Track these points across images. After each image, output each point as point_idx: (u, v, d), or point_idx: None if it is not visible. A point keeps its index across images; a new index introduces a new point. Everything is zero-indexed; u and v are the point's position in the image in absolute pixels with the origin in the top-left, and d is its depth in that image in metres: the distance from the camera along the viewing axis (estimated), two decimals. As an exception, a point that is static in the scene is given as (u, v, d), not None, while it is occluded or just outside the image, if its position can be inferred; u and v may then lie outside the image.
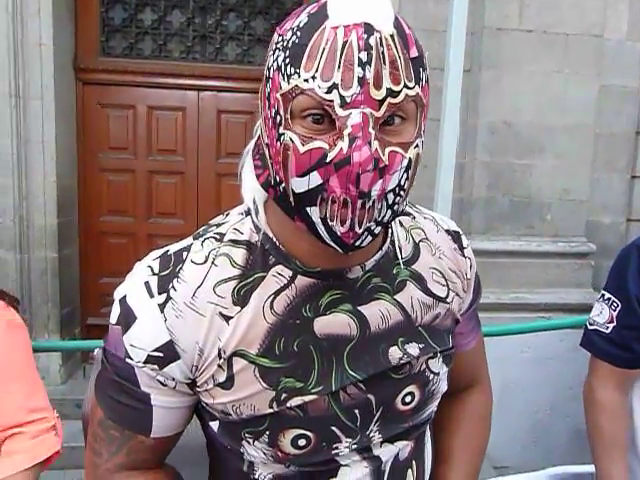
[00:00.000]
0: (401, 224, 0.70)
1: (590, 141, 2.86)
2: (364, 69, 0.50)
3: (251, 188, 0.63)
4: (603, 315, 1.08)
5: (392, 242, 0.67)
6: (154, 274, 0.61)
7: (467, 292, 0.74)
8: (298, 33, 0.52)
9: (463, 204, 2.86)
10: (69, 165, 3.15)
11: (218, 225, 0.65)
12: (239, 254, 0.62)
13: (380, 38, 0.51)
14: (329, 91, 0.50)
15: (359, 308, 0.63)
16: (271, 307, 0.61)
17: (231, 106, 3.33)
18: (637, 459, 1.09)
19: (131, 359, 0.60)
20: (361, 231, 0.54)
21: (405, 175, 0.54)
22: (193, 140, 3.34)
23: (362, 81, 0.50)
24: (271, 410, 0.61)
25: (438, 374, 0.68)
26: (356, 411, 0.63)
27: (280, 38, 0.55)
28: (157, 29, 3.24)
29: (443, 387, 0.70)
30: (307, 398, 0.61)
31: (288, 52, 0.53)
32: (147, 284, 0.61)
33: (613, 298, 1.07)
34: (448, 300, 0.70)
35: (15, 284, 2.86)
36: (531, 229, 2.86)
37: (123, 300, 0.62)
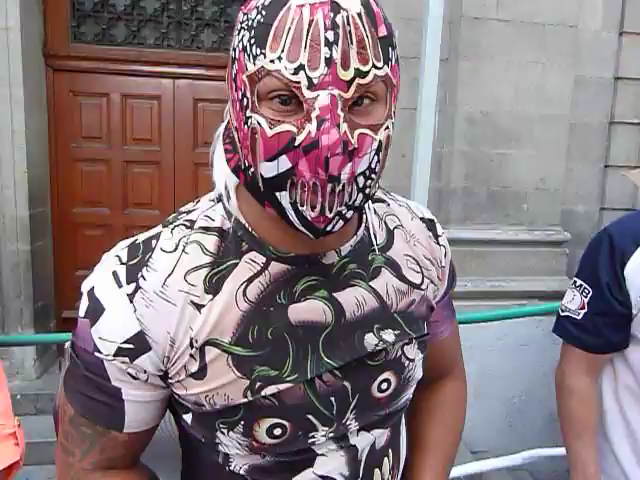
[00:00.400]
0: (375, 211, 0.69)
1: (566, 131, 2.91)
2: (331, 49, 0.48)
3: (222, 173, 0.62)
4: (575, 302, 1.10)
5: (367, 228, 0.67)
6: (122, 263, 0.59)
7: (442, 280, 0.74)
8: (263, 12, 0.51)
9: (441, 193, 2.88)
10: (40, 155, 3.06)
11: (188, 212, 0.64)
12: (211, 241, 0.60)
13: (347, 17, 0.49)
14: (296, 72, 0.49)
15: (334, 294, 0.62)
16: (244, 294, 0.59)
17: (208, 94, 3.27)
18: (605, 441, 1.12)
19: (100, 352, 0.59)
20: (332, 215, 0.53)
21: (376, 158, 0.53)
22: (169, 129, 3.27)
23: (329, 61, 0.49)
24: (245, 400, 0.59)
25: (413, 360, 0.68)
26: (332, 399, 0.62)
27: (245, 17, 0.53)
28: (130, 14, 3.16)
29: (418, 374, 0.70)
30: (282, 386, 0.60)
31: (253, 32, 0.51)
32: (115, 274, 0.59)
33: (585, 285, 1.09)
34: (423, 287, 0.70)
35: (-14, 278, 2.79)
36: (508, 218, 2.90)
37: (91, 292, 0.60)
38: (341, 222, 0.55)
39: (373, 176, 0.54)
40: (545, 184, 2.91)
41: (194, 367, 0.59)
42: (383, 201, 0.72)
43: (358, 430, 0.66)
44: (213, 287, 0.59)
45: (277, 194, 0.53)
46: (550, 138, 2.86)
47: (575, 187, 3.12)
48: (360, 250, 0.65)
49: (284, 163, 0.51)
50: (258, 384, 0.59)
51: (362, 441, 0.66)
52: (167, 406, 0.66)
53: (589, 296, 1.07)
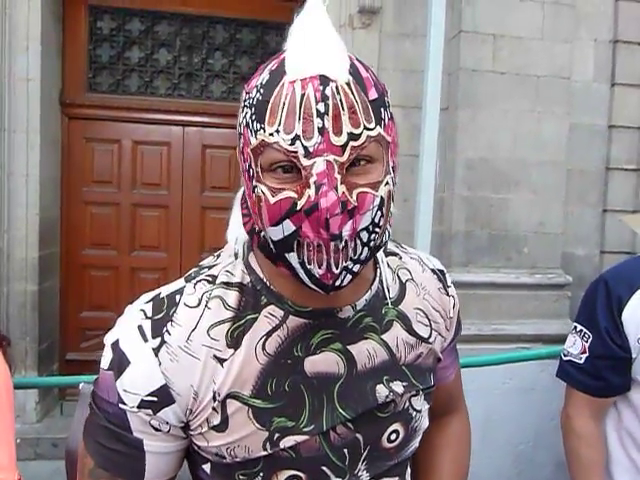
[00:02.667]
0: (388, 265, 0.72)
1: (563, 176, 2.98)
2: (323, 119, 0.53)
3: (237, 234, 0.66)
4: (576, 346, 1.13)
5: (380, 282, 0.69)
6: (147, 318, 0.61)
7: (449, 330, 0.77)
8: (262, 90, 0.56)
9: (443, 237, 2.92)
10: (52, 198, 3.15)
11: (210, 267, 0.66)
12: (232, 296, 0.63)
13: (336, 87, 0.54)
14: (292, 143, 0.53)
15: (348, 347, 0.64)
16: (263, 348, 0.62)
17: (215, 141, 3.39)
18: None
19: (124, 404, 0.60)
20: (338, 271, 0.56)
21: (379, 213, 0.57)
22: (178, 174, 3.37)
23: (322, 130, 0.53)
24: (265, 452, 0.61)
25: (420, 411, 0.70)
26: (345, 450, 0.64)
27: (247, 96, 0.58)
28: (144, 66, 3.32)
29: (425, 424, 0.72)
30: (299, 438, 0.62)
31: (254, 109, 0.56)
32: (140, 328, 0.61)
33: (585, 330, 1.12)
34: (430, 340, 0.72)
35: (-7, 318, 2.81)
36: (509, 261, 2.93)
37: (115, 344, 0.61)
38: (349, 276, 0.57)
39: (377, 230, 0.57)
40: (545, 228, 2.96)
41: (216, 420, 0.61)
42: (396, 254, 0.75)
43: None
44: (234, 341, 0.61)
45: (286, 255, 0.57)
46: (548, 183, 2.94)
47: (575, 230, 3.17)
48: (374, 304, 0.67)
49: (288, 226, 0.55)
50: (276, 435, 0.61)
51: None
52: (185, 457, 0.67)
53: (589, 341, 1.10)
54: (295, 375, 0.62)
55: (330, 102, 0.53)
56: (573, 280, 2.98)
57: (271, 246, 0.58)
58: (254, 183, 0.57)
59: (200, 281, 0.64)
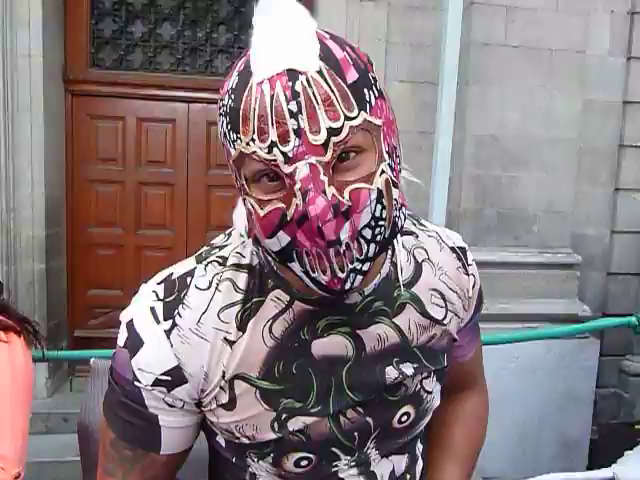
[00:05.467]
0: (403, 245, 0.69)
1: (574, 154, 2.92)
2: (297, 119, 0.48)
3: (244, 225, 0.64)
4: None
5: (393, 264, 0.67)
6: (159, 299, 0.62)
7: (468, 310, 0.74)
8: (232, 96, 0.52)
9: (451, 216, 2.89)
10: (57, 176, 3.14)
11: (220, 248, 0.65)
12: (242, 279, 0.62)
13: (307, 79, 0.49)
14: (270, 150, 0.49)
15: (357, 331, 0.63)
16: (270, 331, 0.62)
17: (221, 118, 3.34)
18: None
19: (139, 382, 0.61)
20: (345, 275, 0.53)
21: (379, 206, 0.53)
22: (182, 152, 3.34)
23: (298, 132, 0.49)
24: (274, 434, 0.62)
25: (432, 392, 0.69)
26: (355, 433, 0.65)
27: (221, 103, 0.54)
28: (147, 41, 3.25)
29: (436, 403, 0.72)
30: (307, 420, 0.62)
31: (228, 117, 0.52)
32: (153, 310, 0.61)
33: None
34: (445, 322, 0.70)
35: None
36: (518, 240, 2.90)
37: (130, 324, 0.62)
38: (359, 277, 0.54)
39: (382, 223, 0.54)
40: (555, 207, 2.91)
41: (224, 399, 0.62)
42: (411, 233, 0.71)
43: (379, 458, 0.68)
44: (243, 324, 0.62)
45: (289, 264, 0.55)
46: (559, 161, 2.88)
47: (585, 210, 3.12)
48: (385, 287, 0.65)
49: (283, 238, 0.52)
50: (284, 416, 0.62)
51: (382, 467, 0.69)
52: (201, 428, 0.69)
53: None
54: (302, 358, 0.62)
55: (302, 99, 0.49)
56: (583, 260, 2.95)
57: (273, 256, 0.57)
58: (243, 196, 0.56)
59: (211, 262, 0.64)
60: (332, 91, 0.50)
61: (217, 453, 0.71)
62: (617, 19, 3.03)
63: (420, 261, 0.69)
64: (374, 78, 0.54)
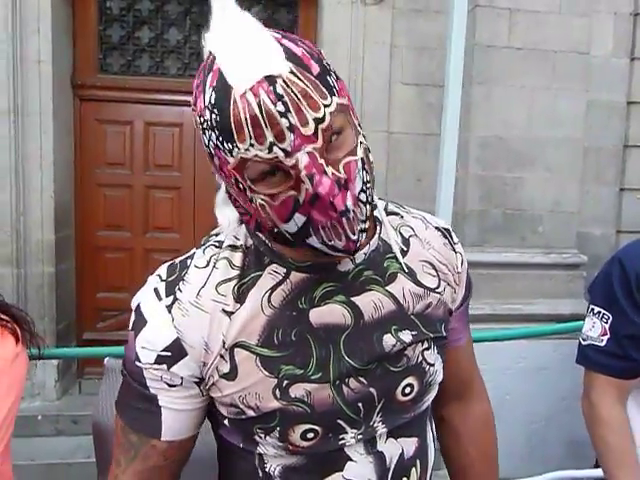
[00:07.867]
0: (390, 224, 0.74)
1: (579, 154, 2.93)
2: (287, 117, 0.54)
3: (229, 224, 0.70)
4: (595, 329, 1.11)
5: (381, 239, 0.71)
6: (162, 280, 0.67)
7: (459, 285, 0.78)
8: (215, 111, 0.55)
9: (457, 217, 2.90)
10: (66, 180, 3.18)
11: (217, 234, 0.71)
12: (237, 257, 0.67)
13: (284, 81, 0.54)
14: (270, 150, 0.55)
15: (352, 299, 0.67)
16: (269, 301, 0.65)
17: (227, 121, 3.37)
18: None
19: (140, 361, 0.64)
20: (356, 237, 0.60)
21: (364, 172, 0.60)
22: (190, 155, 3.37)
23: (292, 128, 0.54)
24: (277, 402, 0.64)
25: (434, 365, 0.72)
26: (359, 404, 0.67)
27: (202, 119, 0.58)
28: (154, 47, 3.29)
29: (439, 378, 0.74)
30: (309, 386, 0.64)
31: (217, 131, 0.56)
32: (156, 290, 0.66)
33: (603, 311, 1.09)
34: (439, 290, 0.73)
35: (11, 299, 2.86)
36: (523, 241, 2.91)
37: (137, 308, 0.67)
38: (363, 234, 0.62)
39: (369, 184, 0.62)
40: (560, 207, 2.92)
41: (225, 368, 0.65)
42: (397, 214, 0.76)
43: (386, 435, 0.69)
44: (241, 296, 0.65)
45: (307, 240, 0.60)
46: (564, 161, 2.89)
47: (591, 210, 3.13)
48: (375, 258, 0.70)
49: (300, 219, 0.59)
50: (285, 382, 0.64)
51: (390, 449, 0.70)
52: (204, 418, 0.71)
53: (609, 321, 1.07)
54: (301, 325, 0.65)
55: (286, 98, 0.54)
56: (588, 260, 2.96)
57: (289, 237, 0.61)
58: (249, 195, 0.60)
59: (209, 246, 0.69)
60: (307, 86, 0.55)
61: (225, 448, 0.72)
62: (620, 20, 3.04)
63: (407, 237, 0.74)
64: (327, 63, 0.60)
